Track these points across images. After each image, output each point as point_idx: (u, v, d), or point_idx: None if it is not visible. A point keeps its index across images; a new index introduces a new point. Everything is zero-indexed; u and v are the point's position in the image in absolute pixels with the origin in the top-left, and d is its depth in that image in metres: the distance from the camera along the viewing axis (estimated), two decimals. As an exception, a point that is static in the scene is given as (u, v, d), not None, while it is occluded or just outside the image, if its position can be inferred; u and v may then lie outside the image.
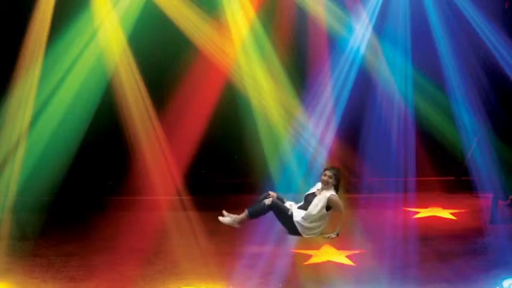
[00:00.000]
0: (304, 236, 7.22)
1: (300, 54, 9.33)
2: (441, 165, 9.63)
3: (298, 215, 7.32)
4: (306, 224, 7.23)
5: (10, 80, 8.57)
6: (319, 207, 7.19)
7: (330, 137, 9.13)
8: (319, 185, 7.50)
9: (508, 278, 6.05)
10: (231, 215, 7.22)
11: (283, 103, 9.12)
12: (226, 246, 7.25)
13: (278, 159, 9.00)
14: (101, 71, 8.76)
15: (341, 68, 9.17)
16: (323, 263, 6.75)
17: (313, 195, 7.37)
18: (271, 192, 7.38)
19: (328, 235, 7.16)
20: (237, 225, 7.11)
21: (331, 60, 9.22)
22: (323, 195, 7.26)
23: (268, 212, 7.24)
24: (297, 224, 7.21)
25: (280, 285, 6.09)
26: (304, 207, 7.37)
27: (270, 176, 8.87)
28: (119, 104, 8.79)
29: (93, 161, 9.10)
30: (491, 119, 9.24)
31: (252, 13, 9.02)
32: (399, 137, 9.37)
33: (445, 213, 8.57)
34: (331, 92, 9.21)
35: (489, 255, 6.84)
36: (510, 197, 8.94)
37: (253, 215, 7.16)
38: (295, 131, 9.14)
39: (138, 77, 8.86)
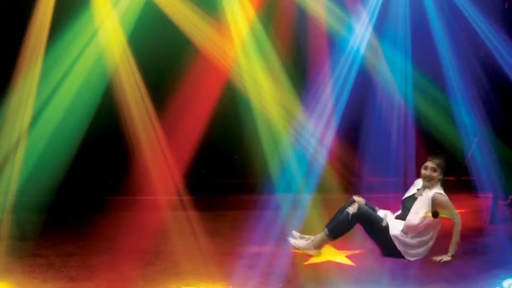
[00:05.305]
0: (407, 258, 5.75)
1: (300, 54, 9.33)
2: (441, 165, 9.63)
3: (395, 226, 5.76)
4: (407, 240, 5.67)
5: (10, 80, 8.57)
6: (421, 214, 5.63)
7: (330, 137, 9.15)
8: (419, 183, 6.09)
9: (508, 278, 6.05)
10: (305, 236, 5.90)
11: (283, 103, 9.13)
12: (226, 246, 7.25)
13: (278, 159, 9.01)
14: (101, 71, 8.76)
15: (341, 68, 9.18)
16: (323, 263, 6.74)
17: (413, 198, 5.87)
18: (356, 198, 5.95)
19: (440, 258, 5.86)
20: (314, 251, 5.88)
21: (331, 60, 9.24)
22: (425, 197, 5.73)
23: (354, 225, 5.76)
24: (395, 240, 5.65)
25: (280, 285, 6.08)
26: (403, 216, 5.89)
27: (270, 176, 8.88)
28: (119, 104, 8.79)
29: (93, 161, 9.10)
30: (491, 119, 9.25)
31: (252, 13, 9.03)
32: (399, 137, 9.38)
33: (445, 213, 8.57)
34: (331, 92, 9.22)
35: (489, 255, 6.84)
36: (510, 197, 8.95)
37: (336, 234, 5.71)
38: (295, 131, 9.14)
39: (138, 77, 8.87)
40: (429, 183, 5.72)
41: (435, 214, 5.32)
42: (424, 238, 5.71)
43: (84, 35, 8.70)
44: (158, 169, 8.68)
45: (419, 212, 5.54)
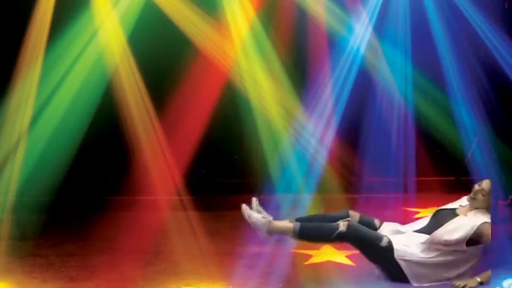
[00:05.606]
0: (414, 284, 4.76)
1: (300, 54, 9.33)
2: (441, 165, 9.64)
3: (408, 244, 4.81)
4: (422, 260, 4.66)
5: (10, 80, 8.57)
6: (458, 235, 4.69)
7: (330, 137, 9.14)
8: (463, 200, 5.35)
9: (508, 278, 6.04)
10: (265, 213, 5.05)
11: (283, 103, 9.12)
12: (226, 246, 7.25)
13: (278, 159, 9.00)
14: (101, 71, 8.76)
15: (341, 68, 9.17)
16: (323, 263, 6.74)
17: (453, 213, 5.04)
18: (351, 212, 5.21)
19: (464, 283, 4.96)
20: (264, 234, 4.95)
21: (331, 60, 9.23)
22: (471, 221, 4.86)
23: (339, 240, 4.96)
24: (400, 262, 4.72)
25: (280, 285, 6.08)
26: (428, 229, 4.96)
27: (270, 176, 8.87)
28: (119, 104, 8.79)
29: (93, 161, 9.10)
30: (491, 119, 9.24)
31: (252, 13, 9.02)
32: (399, 137, 9.38)
33: (445, 213, 8.55)
34: (331, 92, 9.22)
35: (489, 255, 6.83)
36: (510, 197, 8.95)
37: (305, 237, 4.81)
38: (295, 131, 9.14)
39: (138, 77, 8.86)
40: (474, 201, 4.97)
41: (471, 242, 4.53)
42: (448, 258, 4.83)
43: (84, 35, 8.70)
44: (158, 169, 8.68)
45: (453, 233, 4.64)
